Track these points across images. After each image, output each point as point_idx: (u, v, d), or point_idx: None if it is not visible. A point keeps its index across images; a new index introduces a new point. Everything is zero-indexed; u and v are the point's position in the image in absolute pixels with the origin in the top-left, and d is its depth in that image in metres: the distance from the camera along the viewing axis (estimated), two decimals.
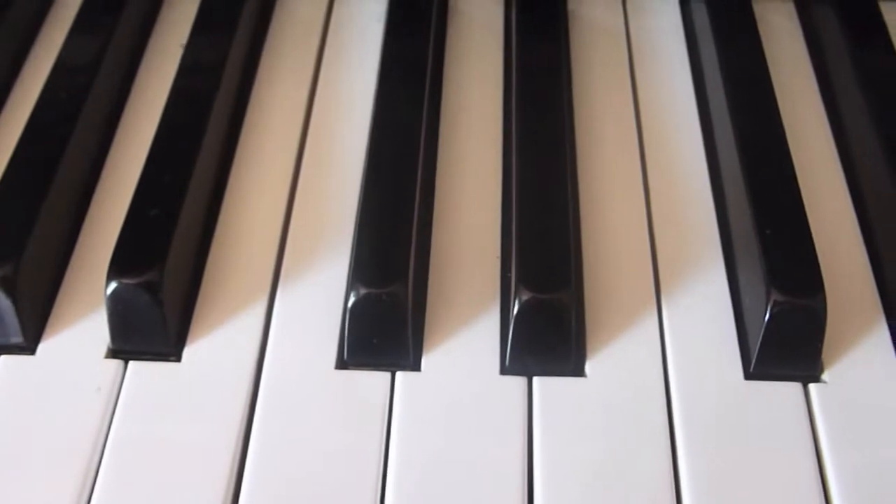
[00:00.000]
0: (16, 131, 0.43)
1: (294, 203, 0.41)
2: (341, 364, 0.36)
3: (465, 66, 0.47)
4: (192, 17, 0.49)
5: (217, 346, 0.36)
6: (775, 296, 0.35)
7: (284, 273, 0.38)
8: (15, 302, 0.36)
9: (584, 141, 0.43)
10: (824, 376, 0.36)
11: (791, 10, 0.51)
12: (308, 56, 0.48)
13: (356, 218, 0.39)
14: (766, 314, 0.35)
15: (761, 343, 0.35)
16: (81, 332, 0.37)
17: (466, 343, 0.36)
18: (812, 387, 0.36)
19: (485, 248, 0.39)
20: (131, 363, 0.36)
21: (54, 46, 0.47)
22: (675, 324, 0.37)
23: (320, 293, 0.38)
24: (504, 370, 0.36)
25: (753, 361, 0.36)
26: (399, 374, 0.35)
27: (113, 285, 0.35)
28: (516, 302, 0.35)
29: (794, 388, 0.36)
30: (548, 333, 0.35)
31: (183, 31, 0.49)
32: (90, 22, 0.47)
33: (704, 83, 0.46)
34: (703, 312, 0.38)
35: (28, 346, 0.36)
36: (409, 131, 0.40)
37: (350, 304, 0.35)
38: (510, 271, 0.38)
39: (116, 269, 0.35)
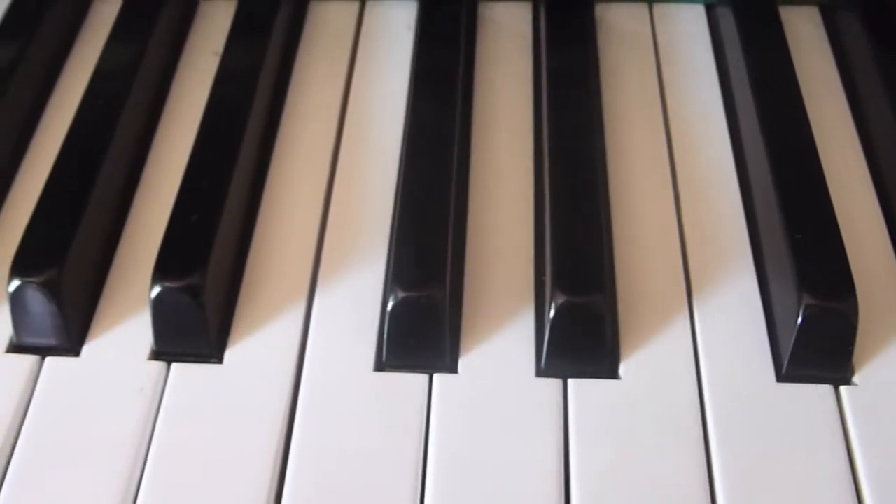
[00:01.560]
0: (56, 137, 0.44)
1: (330, 207, 0.42)
2: (379, 366, 0.36)
3: (494, 73, 0.48)
4: (224, 26, 0.50)
5: (257, 348, 0.37)
6: (807, 300, 0.35)
7: (322, 276, 0.39)
8: (59, 305, 0.36)
9: (613, 146, 0.44)
10: (855, 378, 0.36)
11: (816, 16, 0.51)
12: (340, 64, 0.48)
13: (392, 222, 0.40)
14: (798, 318, 0.35)
15: (793, 346, 0.36)
16: (124, 334, 0.38)
17: (501, 345, 0.37)
18: (843, 389, 0.36)
19: (518, 251, 0.40)
20: (174, 365, 0.37)
21: (90, 54, 0.48)
22: (707, 327, 0.38)
23: (357, 296, 0.38)
24: (539, 372, 0.36)
25: (785, 364, 0.36)
26: (436, 377, 0.36)
27: (157, 289, 0.36)
28: (552, 305, 0.35)
29: (826, 390, 0.36)
30: (583, 336, 0.35)
31: (215, 39, 0.50)
32: (127, 30, 0.48)
33: (732, 88, 0.47)
34: (734, 315, 0.38)
35: (72, 348, 0.37)
36: (443, 137, 0.41)
37: (389, 307, 0.35)
38: (544, 275, 0.38)
39: (160, 273, 0.36)
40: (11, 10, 0.50)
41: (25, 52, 0.47)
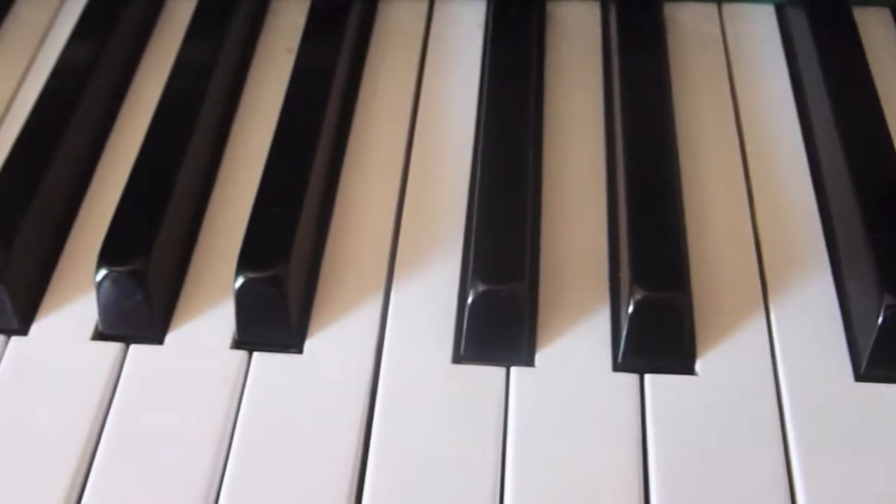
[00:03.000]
0: (134, 132, 0.45)
1: (404, 202, 0.42)
2: (456, 358, 0.37)
3: (564, 71, 0.48)
4: (295, 22, 0.51)
5: (337, 339, 0.38)
6: (889, 300, 0.35)
7: (398, 269, 0.40)
8: (145, 294, 0.37)
9: (685, 144, 0.44)
10: None
11: (887, 16, 0.51)
12: (411, 61, 0.49)
13: (467, 217, 0.41)
14: (878, 317, 0.35)
15: (873, 346, 0.36)
16: (206, 322, 0.38)
17: (577, 340, 0.37)
18: None
19: (591, 247, 0.40)
20: (255, 354, 0.37)
21: (166, 51, 0.50)
22: (783, 325, 0.38)
23: (433, 289, 0.39)
24: (616, 367, 0.36)
25: (864, 363, 0.36)
26: (514, 370, 0.36)
27: (241, 280, 0.36)
28: (631, 301, 0.35)
29: None
30: (661, 332, 0.36)
31: (288, 36, 0.51)
32: (204, 27, 0.49)
33: (804, 88, 0.46)
34: (810, 314, 0.38)
35: (156, 337, 0.38)
36: (518, 135, 0.42)
37: (469, 300, 0.36)
38: (618, 270, 0.39)
39: (245, 264, 0.37)
40: (89, 9, 0.51)
41: (104, 49, 0.48)
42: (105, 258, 0.38)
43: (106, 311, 0.38)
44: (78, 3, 0.52)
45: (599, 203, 0.42)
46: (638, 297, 0.35)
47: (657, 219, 0.38)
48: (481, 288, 0.36)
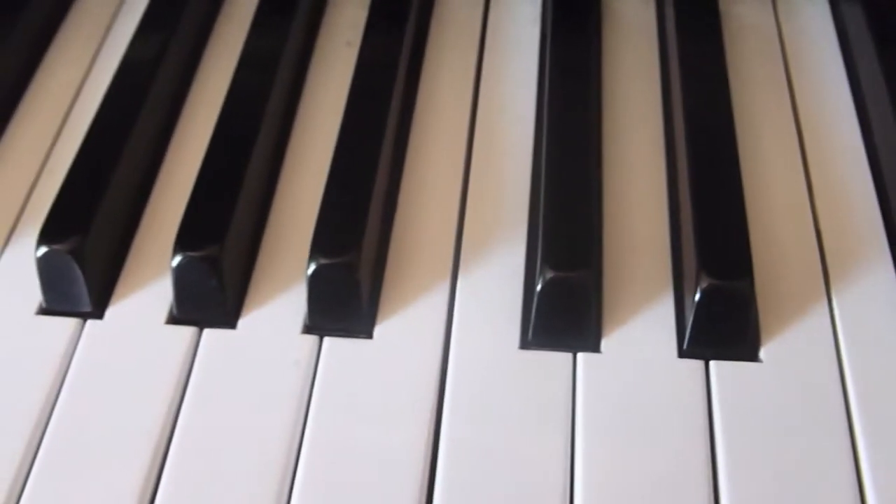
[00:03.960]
0: (200, 123, 0.46)
1: (468, 190, 0.43)
2: (524, 344, 0.38)
3: (621, 62, 0.49)
4: (353, 15, 0.52)
5: (405, 325, 0.38)
6: None
7: (463, 257, 0.40)
8: (219, 279, 0.38)
9: (744, 135, 0.45)
10: None
11: None
12: (469, 54, 0.50)
13: (531, 205, 0.42)
14: None
15: None
16: (277, 308, 0.39)
17: (642, 326, 0.38)
18: None
19: (653, 236, 0.41)
20: (326, 339, 0.38)
21: (229, 44, 0.51)
22: (846, 313, 0.38)
23: (499, 276, 0.40)
24: (682, 353, 0.37)
25: None
26: (581, 356, 0.37)
27: (314, 266, 0.37)
28: (697, 289, 0.36)
29: None
30: (727, 319, 0.36)
31: (347, 29, 0.52)
32: (267, 20, 0.50)
33: (860, 78, 0.47)
34: (872, 301, 0.39)
35: (229, 321, 0.39)
36: (582, 125, 0.42)
37: (538, 287, 0.37)
38: (682, 258, 0.39)
39: (318, 250, 0.38)
40: (154, 2, 0.52)
41: (169, 43, 0.49)
42: (181, 244, 0.39)
43: (181, 295, 0.39)
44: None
45: (660, 191, 0.43)
46: (705, 284, 0.36)
47: (721, 208, 0.39)
48: (550, 275, 0.36)
